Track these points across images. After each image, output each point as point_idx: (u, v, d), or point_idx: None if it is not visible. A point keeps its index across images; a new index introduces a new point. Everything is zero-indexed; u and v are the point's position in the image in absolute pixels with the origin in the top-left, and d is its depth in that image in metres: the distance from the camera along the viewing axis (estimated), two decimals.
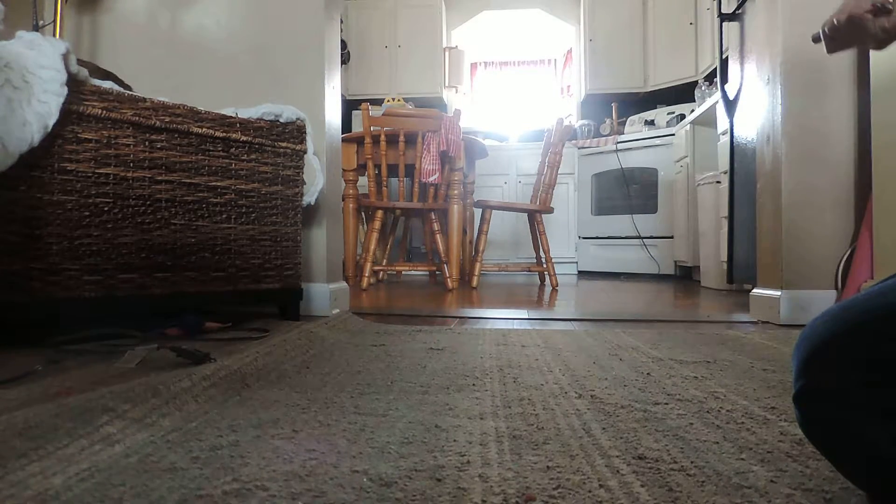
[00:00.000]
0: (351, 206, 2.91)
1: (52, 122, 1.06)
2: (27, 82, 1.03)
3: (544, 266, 3.12)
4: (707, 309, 2.04)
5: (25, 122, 1.02)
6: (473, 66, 5.59)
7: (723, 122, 2.77)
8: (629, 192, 4.23)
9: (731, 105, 2.26)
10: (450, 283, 2.79)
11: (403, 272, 4.20)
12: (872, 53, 1.52)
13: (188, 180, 1.34)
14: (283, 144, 1.53)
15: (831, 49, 0.99)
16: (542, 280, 3.42)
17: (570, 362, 1.06)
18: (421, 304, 2.18)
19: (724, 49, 2.44)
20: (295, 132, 1.55)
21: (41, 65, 1.06)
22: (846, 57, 1.64)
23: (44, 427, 0.61)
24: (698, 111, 3.34)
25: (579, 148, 4.54)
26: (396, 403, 0.76)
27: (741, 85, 2.13)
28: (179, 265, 1.32)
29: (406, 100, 4.73)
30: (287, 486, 0.49)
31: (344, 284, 1.89)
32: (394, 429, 0.65)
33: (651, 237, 4.07)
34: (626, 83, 4.67)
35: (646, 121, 4.38)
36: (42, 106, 1.05)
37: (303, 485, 0.49)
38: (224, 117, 1.40)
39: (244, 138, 1.44)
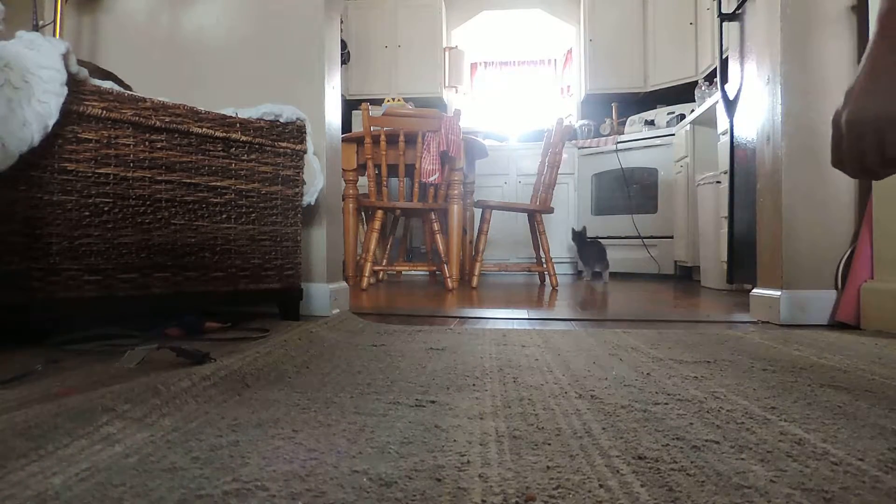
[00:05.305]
0: (351, 206, 2.91)
1: (52, 122, 1.06)
2: (27, 82, 1.03)
3: (544, 266, 3.12)
4: (707, 309, 2.04)
5: (25, 122, 1.02)
6: (473, 66, 5.59)
7: (723, 122, 2.77)
8: (629, 192, 4.23)
9: (731, 105, 2.26)
10: (450, 283, 2.79)
11: (403, 272, 4.20)
12: None
13: (188, 180, 1.34)
14: (283, 144, 1.53)
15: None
16: (542, 280, 3.42)
17: (570, 362, 1.06)
18: (421, 304, 2.18)
19: (724, 49, 2.44)
20: (295, 132, 1.55)
21: (41, 65, 1.06)
22: (845, 57, 1.64)
23: (44, 427, 0.61)
24: (698, 111, 3.34)
25: (579, 148, 4.54)
26: (396, 403, 0.76)
27: (741, 85, 2.13)
28: (179, 265, 1.32)
29: (406, 100, 4.73)
30: (287, 486, 0.49)
31: (344, 284, 1.89)
32: (394, 429, 0.65)
33: (651, 237, 4.07)
34: (626, 83, 4.67)
35: (646, 121, 4.38)
36: (42, 106, 1.05)
37: (303, 485, 0.49)
38: (224, 117, 1.40)
39: (244, 138, 1.44)
